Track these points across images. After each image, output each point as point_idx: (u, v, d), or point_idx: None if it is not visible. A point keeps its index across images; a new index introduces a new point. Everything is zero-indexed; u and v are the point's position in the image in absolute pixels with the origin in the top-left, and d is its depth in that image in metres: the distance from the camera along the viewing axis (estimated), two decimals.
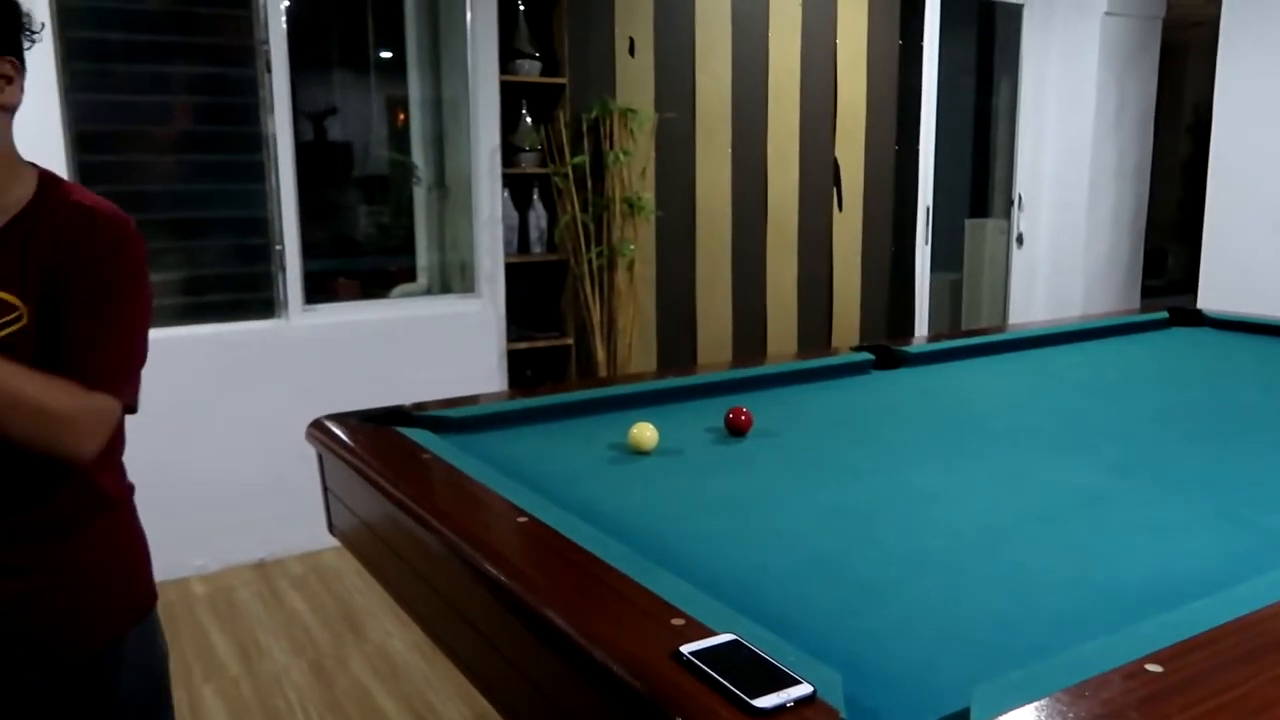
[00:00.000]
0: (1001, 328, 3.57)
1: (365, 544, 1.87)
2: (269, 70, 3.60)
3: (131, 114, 3.56)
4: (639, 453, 1.90)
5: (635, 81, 4.25)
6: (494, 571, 1.26)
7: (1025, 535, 1.44)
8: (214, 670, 2.96)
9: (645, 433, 1.90)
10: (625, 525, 1.48)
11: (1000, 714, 0.89)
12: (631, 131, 4.18)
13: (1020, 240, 5.69)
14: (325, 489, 2.06)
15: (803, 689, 0.93)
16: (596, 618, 1.11)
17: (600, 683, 1.01)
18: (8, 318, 1.26)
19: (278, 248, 3.72)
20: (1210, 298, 4.93)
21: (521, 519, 1.43)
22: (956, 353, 2.82)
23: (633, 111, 4.16)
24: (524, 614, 1.17)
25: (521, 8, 4.05)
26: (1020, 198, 5.65)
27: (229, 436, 3.66)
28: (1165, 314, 3.39)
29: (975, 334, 3.09)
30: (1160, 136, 5.96)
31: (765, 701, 0.90)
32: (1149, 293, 6.17)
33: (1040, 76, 5.54)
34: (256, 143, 3.68)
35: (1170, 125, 6.09)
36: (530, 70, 4.05)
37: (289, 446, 3.77)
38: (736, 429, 2.02)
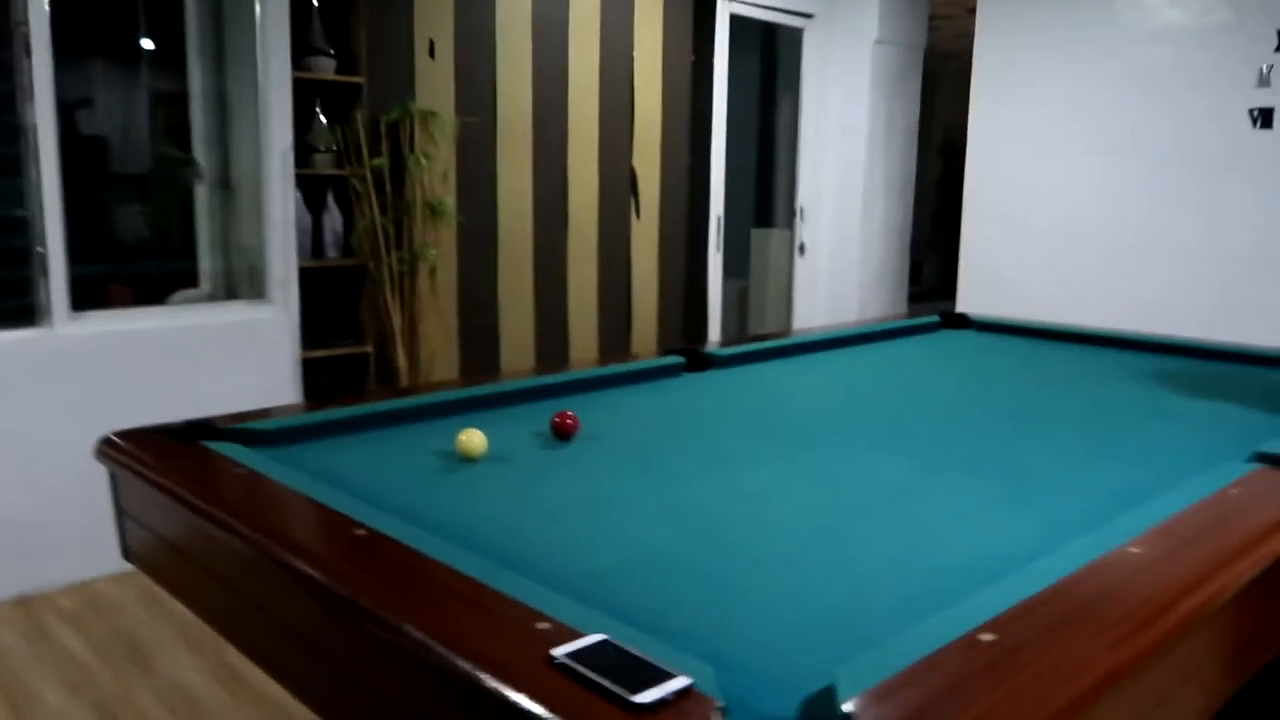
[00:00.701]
0: (789, 332, 3.76)
1: (172, 569, 1.73)
2: (28, 54, 3.27)
3: None
4: (468, 459, 1.87)
5: (436, 84, 4.18)
6: (339, 589, 1.20)
7: (850, 527, 1.54)
8: None
9: (474, 439, 1.88)
10: (468, 533, 1.46)
11: (862, 689, 0.94)
12: (433, 135, 4.10)
13: (803, 249, 6.03)
14: (119, 511, 1.90)
15: (680, 682, 0.95)
16: (459, 628, 1.08)
17: (472, 694, 0.99)
18: None
19: (39, 250, 3.38)
20: (968, 303, 5.41)
21: (359, 531, 1.38)
22: (760, 355, 2.95)
23: (434, 114, 4.08)
24: (378, 630, 1.12)
25: (315, 3, 3.88)
26: (802, 209, 5.99)
27: None
28: (937, 318, 3.70)
29: (774, 337, 3.25)
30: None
31: (645, 696, 0.92)
32: (910, 299, 6.69)
33: (819, 96, 5.89)
34: (14, 134, 3.33)
35: (923, 146, 6.67)
36: (325, 68, 3.89)
37: (55, 468, 3.44)
38: (563, 433, 2.03)
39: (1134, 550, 1.32)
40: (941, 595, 1.25)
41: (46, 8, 3.28)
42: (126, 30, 3.98)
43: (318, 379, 4.08)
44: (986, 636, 1.06)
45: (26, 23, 3.25)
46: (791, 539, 1.48)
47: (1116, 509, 1.56)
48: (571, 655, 1.00)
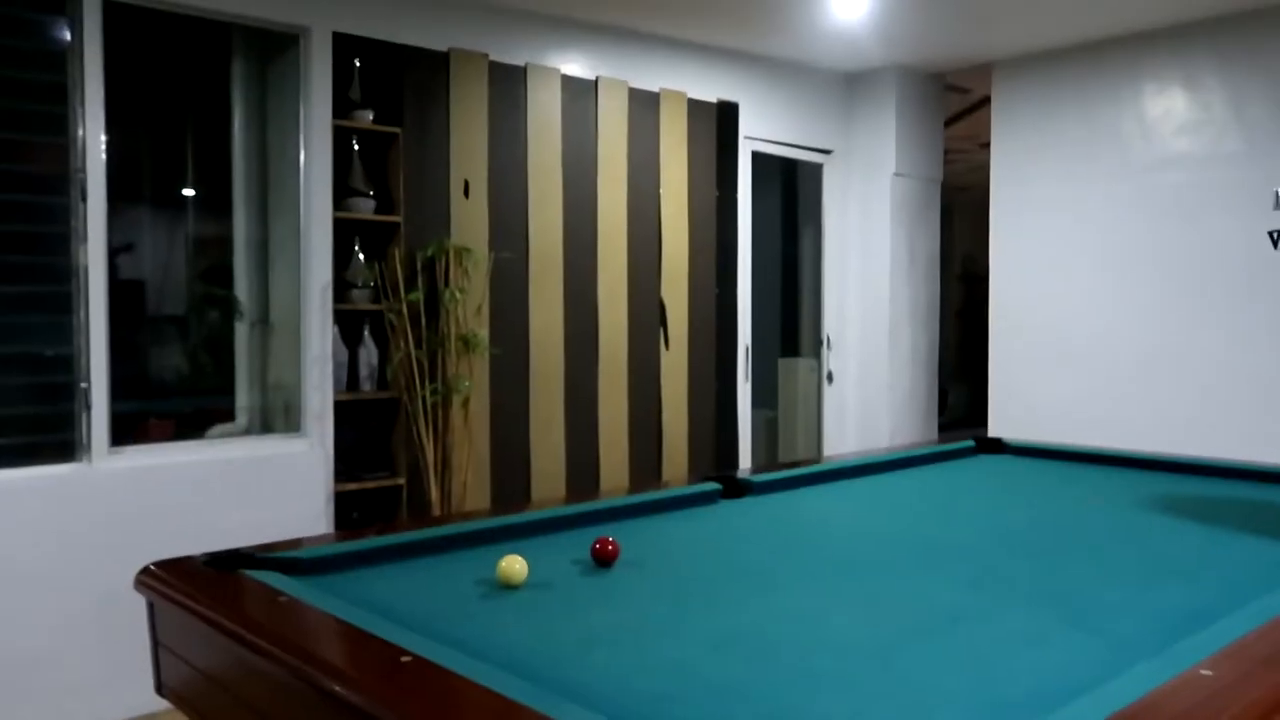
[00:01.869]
0: (827, 459, 3.74)
1: (209, 701, 1.70)
2: (84, 199, 3.42)
3: None
4: (509, 587, 1.84)
5: (470, 221, 4.31)
6: (389, 717, 1.17)
7: (906, 649, 1.49)
8: None
9: (515, 566, 1.86)
10: (514, 659, 1.42)
11: None
12: (466, 270, 4.21)
13: (830, 377, 6.04)
14: (155, 643, 1.87)
15: None
16: None
17: None
18: None
19: (83, 385, 3.45)
20: (998, 428, 5.37)
21: (405, 658, 1.35)
22: (797, 480, 2.93)
23: (468, 250, 4.20)
24: None
25: (356, 147, 4.06)
26: (829, 338, 6.04)
27: (16, 591, 3.27)
28: (972, 442, 3.67)
29: (808, 464, 3.23)
30: None
31: None
32: (939, 428, 6.65)
33: (841, 228, 6.02)
34: (65, 275, 3.45)
35: (944, 275, 6.80)
36: (364, 208, 4.04)
37: (87, 605, 3.42)
38: (603, 559, 2.01)
39: (1205, 672, 1.27)
40: None
41: (103, 156, 3.45)
42: (174, 178, 4.17)
43: (349, 511, 4.07)
44: None
45: (84, 170, 3.41)
46: (844, 663, 1.43)
47: (1180, 630, 1.51)
48: None
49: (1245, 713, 1.14)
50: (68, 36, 3.44)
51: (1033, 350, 5.37)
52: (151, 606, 1.86)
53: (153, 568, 1.88)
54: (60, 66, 3.44)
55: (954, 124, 7.06)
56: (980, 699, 1.29)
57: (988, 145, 5.66)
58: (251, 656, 1.45)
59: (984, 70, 5.64)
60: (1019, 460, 3.46)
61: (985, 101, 6.04)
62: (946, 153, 6.39)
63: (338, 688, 1.27)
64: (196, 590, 1.71)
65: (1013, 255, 5.47)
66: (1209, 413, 4.68)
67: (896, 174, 5.81)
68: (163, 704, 3.49)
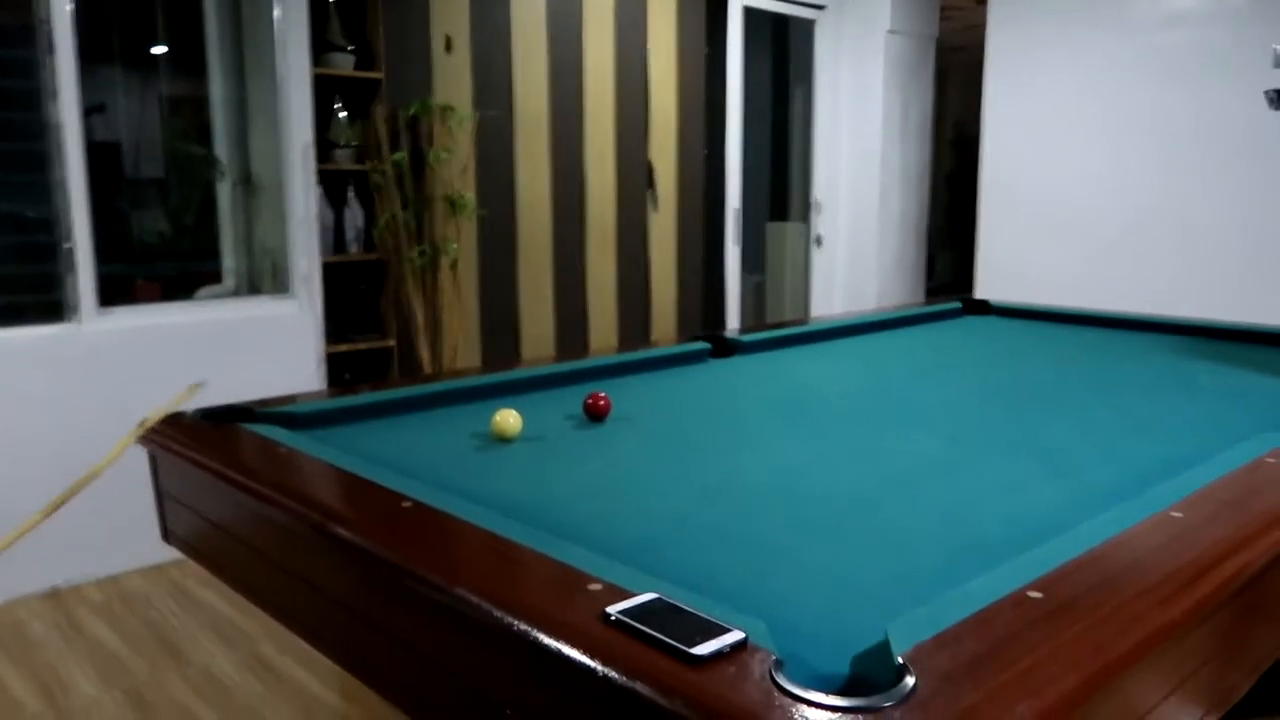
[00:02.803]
0: (814, 319, 3.76)
1: (213, 547, 1.75)
2: (51, 52, 3.30)
3: None
4: (503, 439, 1.88)
5: (453, 79, 4.20)
6: (391, 557, 1.22)
7: (889, 499, 1.55)
8: (9, 711, 2.68)
9: (509, 419, 1.89)
10: (509, 506, 1.47)
11: (915, 643, 0.96)
12: (451, 129, 4.12)
13: (819, 241, 6.03)
14: (159, 493, 1.92)
15: (735, 635, 0.96)
16: (514, 590, 1.10)
17: (531, 652, 1.01)
18: None
19: (66, 246, 3.41)
20: (985, 292, 5.41)
21: (405, 503, 1.40)
22: (785, 340, 2.96)
23: (451, 109, 4.10)
24: (433, 596, 1.14)
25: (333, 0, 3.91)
26: (818, 202, 5.99)
27: (10, 454, 3.32)
28: (959, 304, 3.70)
29: (797, 324, 3.26)
30: None
31: (703, 649, 0.93)
32: (925, 294, 6.68)
33: (833, 88, 5.89)
34: (39, 131, 3.37)
35: (935, 140, 6.68)
36: (344, 64, 3.92)
37: (84, 462, 3.47)
38: (596, 414, 2.05)
39: (1176, 514, 1.33)
40: (984, 559, 1.26)
41: (69, 6, 3.31)
42: (145, 35, 4.01)
43: (341, 373, 4.10)
44: (1035, 594, 1.07)
45: (49, 20, 3.28)
46: (830, 509, 1.49)
47: (1153, 478, 1.57)
48: (626, 612, 1.01)
49: (1211, 549, 1.20)
50: None
51: (1022, 215, 5.35)
52: (154, 459, 1.90)
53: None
54: None
55: None
56: (958, 540, 1.35)
57: (984, 1, 5.49)
58: (254, 504, 1.49)
59: None
60: (1005, 321, 3.50)
61: None
62: (942, 9, 6.20)
63: (341, 530, 1.31)
64: (199, 442, 1.74)
65: (1006, 117, 5.38)
66: (1200, 278, 4.71)
67: (891, 31, 5.65)
68: (168, 554, 3.59)
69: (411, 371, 4.14)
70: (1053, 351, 2.93)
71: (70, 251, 3.41)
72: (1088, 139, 5.06)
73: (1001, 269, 5.45)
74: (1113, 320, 3.35)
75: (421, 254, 4.04)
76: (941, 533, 1.38)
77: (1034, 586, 1.09)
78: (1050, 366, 2.69)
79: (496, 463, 1.75)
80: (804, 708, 0.83)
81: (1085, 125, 5.06)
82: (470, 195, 4.25)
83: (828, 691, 0.87)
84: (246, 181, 4.11)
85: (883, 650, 0.96)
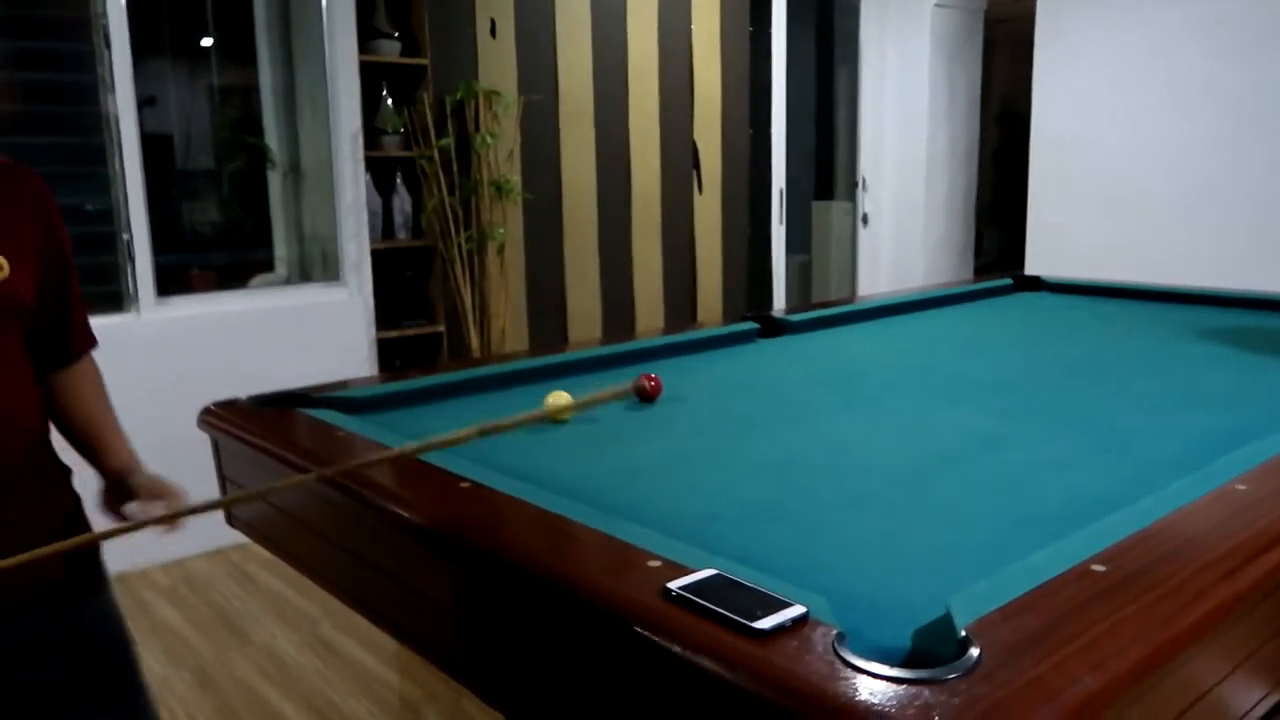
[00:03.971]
0: (862, 298, 3.74)
1: (276, 530, 1.80)
2: (108, 46, 3.37)
3: None
4: (556, 421, 1.90)
5: (497, 63, 4.22)
6: (454, 535, 1.24)
7: (941, 474, 1.54)
8: None
9: (561, 401, 1.90)
10: (565, 486, 1.49)
11: (977, 616, 0.95)
12: (496, 114, 4.14)
13: (866, 220, 5.97)
14: (222, 477, 1.97)
15: (796, 609, 0.97)
16: (575, 566, 1.12)
17: (594, 628, 1.03)
18: None
19: (125, 237, 3.49)
20: (1035, 267, 5.32)
21: (464, 484, 1.42)
22: (834, 320, 2.95)
23: (497, 94, 4.12)
24: (496, 572, 1.16)
25: None
26: (864, 180, 5.93)
27: None
28: (1009, 280, 3.65)
29: (845, 303, 3.24)
30: None
31: (765, 623, 0.94)
32: (974, 271, 6.59)
33: (878, 64, 5.82)
34: (96, 124, 3.44)
35: (981, 115, 6.58)
36: (390, 50, 3.95)
37: (145, 448, 3.56)
38: (646, 395, 2.06)
39: (1240, 487, 1.31)
40: (1042, 533, 1.25)
41: (123, 0, 3.37)
42: (196, 27, 4.08)
43: (392, 359, 4.16)
44: (1098, 567, 1.06)
45: (105, 15, 3.35)
46: (884, 485, 1.49)
47: (1215, 452, 1.54)
48: (686, 588, 1.02)
49: (1277, 523, 1.18)
50: None
51: (1074, 189, 5.25)
52: (216, 444, 1.94)
53: (214, 408, 1.95)
54: None
55: None
56: (1014, 515, 1.34)
57: None
58: (315, 485, 1.52)
59: None
60: (1057, 297, 3.45)
61: None
62: None
63: (401, 510, 1.33)
64: (259, 426, 1.78)
65: (1056, 90, 5.28)
66: (1257, 251, 4.60)
67: (938, 4, 5.56)
68: (229, 538, 3.68)
69: (460, 356, 4.19)
70: (1107, 327, 2.88)
71: (128, 242, 3.49)
72: (1141, 110, 4.95)
73: (1052, 244, 5.36)
74: (1169, 294, 3.29)
75: (469, 239, 4.08)
76: (997, 507, 1.38)
77: (1097, 560, 1.08)
78: (1105, 342, 2.65)
79: (550, 444, 1.77)
80: (870, 680, 0.84)
81: (1138, 96, 4.95)
82: (516, 179, 4.27)
83: (891, 664, 0.88)
84: (296, 170, 4.17)
85: (945, 623, 0.96)
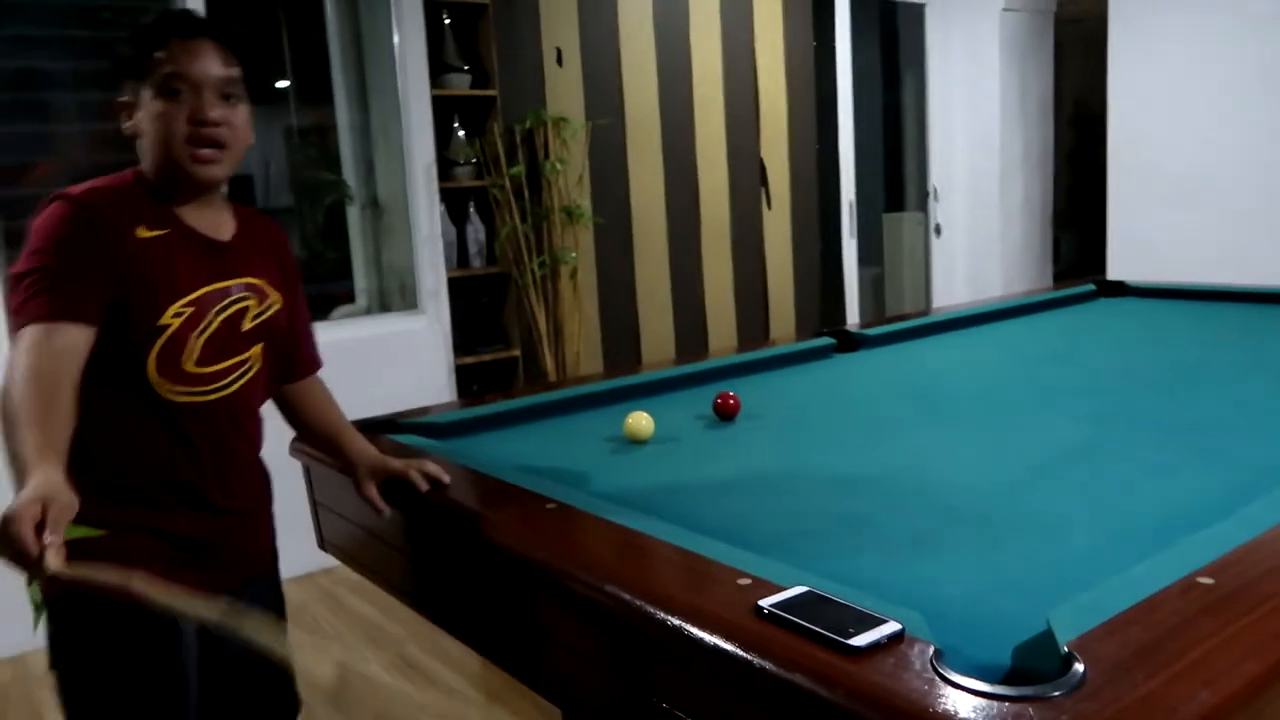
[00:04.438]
0: (938, 309, 3.69)
1: (367, 552, 1.83)
2: None
3: (48, 146, 3.43)
4: (636, 441, 1.91)
5: (565, 91, 4.28)
6: (538, 556, 1.26)
7: (1034, 485, 1.51)
8: None
9: (642, 421, 1.92)
10: (649, 506, 1.49)
11: (1079, 632, 0.93)
12: (565, 140, 4.20)
13: (939, 230, 5.89)
14: (314, 503, 2.02)
15: (892, 626, 0.95)
16: (665, 587, 1.12)
17: (686, 648, 1.03)
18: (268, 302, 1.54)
19: None
20: (1117, 272, 5.17)
21: (550, 505, 1.43)
22: (912, 332, 2.91)
23: (565, 120, 4.18)
24: (586, 594, 1.17)
25: (448, 21, 4.03)
26: (935, 189, 5.85)
27: None
28: (1093, 286, 3.56)
29: (921, 315, 3.19)
30: None
31: (860, 640, 0.93)
32: (1053, 278, 6.43)
33: (946, 72, 5.75)
34: None
35: (1054, 117, 6.46)
36: (460, 83, 4.04)
37: None
38: (725, 413, 2.05)
39: None
40: (1140, 545, 1.21)
41: None
42: (273, 70, 4.23)
43: (469, 383, 4.22)
44: (1205, 580, 1.03)
45: None
46: (973, 498, 1.46)
47: None
48: (779, 605, 1.02)
49: None
50: None
51: (1154, 190, 5.11)
52: (308, 470, 2.00)
53: None
54: None
55: None
56: (1110, 526, 1.31)
57: None
58: (406, 508, 1.56)
59: None
60: (1143, 302, 3.35)
61: None
62: None
63: (492, 534, 1.35)
64: None
65: (1131, 89, 5.14)
66: None
67: (1005, 9, 5.48)
68: (319, 562, 3.75)
69: (536, 380, 4.23)
70: (1198, 331, 2.79)
71: None
72: (1220, 105, 4.79)
73: (1133, 247, 5.22)
74: (1260, 295, 3.17)
75: (541, 264, 4.13)
76: (1092, 519, 1.34)
77: (1203, 573, 1.05)
78: (1196, 347, 2.57)
79: (632, 464, 1.78)
80: (971, 698, 0.83)
81: (1216, 91, 4.80)
82: (586, 204, 4.32)
83: (991, 682, 0.86)
84: (374, 204, 4.28)
85: (1046, 639, 0.94)
